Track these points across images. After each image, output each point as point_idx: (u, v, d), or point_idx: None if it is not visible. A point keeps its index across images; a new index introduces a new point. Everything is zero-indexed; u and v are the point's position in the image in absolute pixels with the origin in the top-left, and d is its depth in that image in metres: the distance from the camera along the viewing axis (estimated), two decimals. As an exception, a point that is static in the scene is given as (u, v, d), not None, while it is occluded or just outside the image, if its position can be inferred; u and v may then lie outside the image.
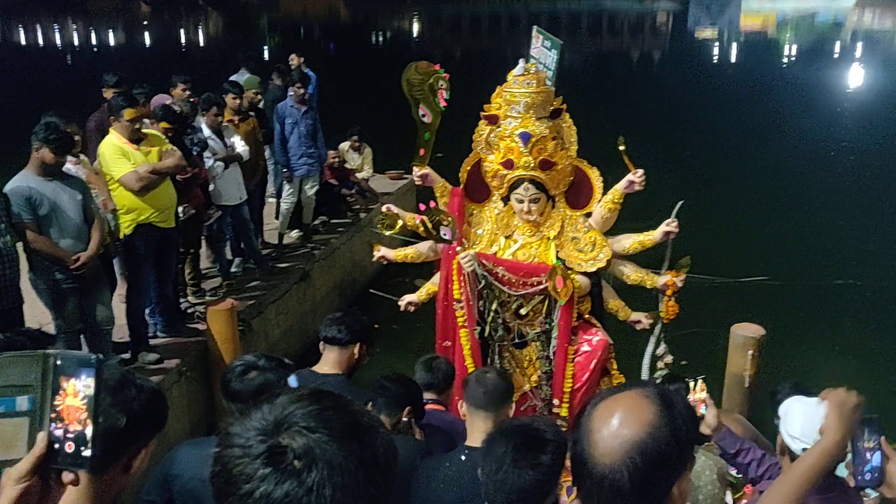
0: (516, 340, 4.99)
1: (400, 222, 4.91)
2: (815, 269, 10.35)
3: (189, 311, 7.40)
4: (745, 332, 5.81)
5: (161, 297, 6.80)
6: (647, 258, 5.05)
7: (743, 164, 15.13)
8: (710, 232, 10.40)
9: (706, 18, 48.00)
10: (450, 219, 4.63)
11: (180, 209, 6.94)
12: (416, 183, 5.10)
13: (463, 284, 4.82)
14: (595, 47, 37.51)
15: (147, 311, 6.73)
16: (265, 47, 36.41)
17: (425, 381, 3.99)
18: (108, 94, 7.86)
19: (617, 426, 1.48)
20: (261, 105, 9.40)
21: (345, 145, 10.87)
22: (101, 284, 5.97)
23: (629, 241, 4.86)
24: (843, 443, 1.92)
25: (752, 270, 9.24)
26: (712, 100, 21.39)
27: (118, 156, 6.05)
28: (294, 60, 11.10)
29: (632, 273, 4.91)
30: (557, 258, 4.81)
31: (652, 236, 4.78)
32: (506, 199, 4.93)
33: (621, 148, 4.60)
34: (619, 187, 4.75)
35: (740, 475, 4.87)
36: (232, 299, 7.24)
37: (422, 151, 4.84)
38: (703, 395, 3.37)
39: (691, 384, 3.45)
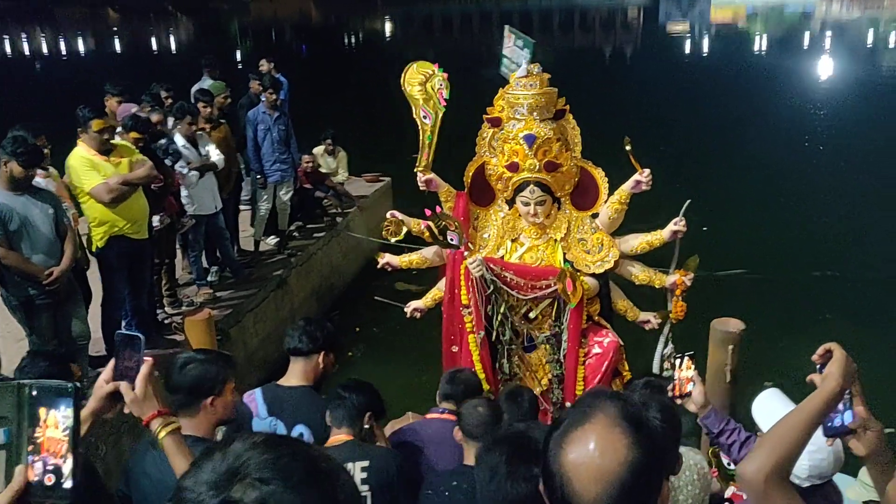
0: (525, 344, 4.94)
1: (405, 228, 4.84)
2: (793, 261, 10.41)
3: (166, 321, 7.31)
4: (725, 328, 5.79)
5: (136, 309, 6.70)
6: (647, 257, 5.02)
7: (718, 156, 15.22)
8: (687, 225, 10.41)
9: (677, 12, 48.30)
10: (456, 224, 4.56)
11: (156, 219, 6.86)
12: (421, 188, 5.00)
13: (471, 289, 4.76)
14: (567, 44, 37.61)
15: (123, 323, 6.64)
16: (237, 52, 36.19)
17: (445, 392, 3.94)
18: (111, 102, 7.75)
19: (595, 469, 1.46)
20: (226, 108, 9.29)
21: (319, 149, 10.80)
22: (75, 299, 5.88)
23: (637, 241, 4.82)
24: (842, 390, 1.99)
25: (730, 264, 9.28)
26: (686, 94, 21.50)
27: (87, 168, 5.95)
28: (264, 66, 10.99)
29: (640, 273, 4.86)
30: (565, 260, 4.76)
31: (660, 236, 4.74)
32: (511, 202, 4.87)
33: (627, 148, 4.56)
34: (626, 187, 4.71)
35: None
36: (209, 309, 7.14)
37: (425, 156, 4.80)
38: (691, 373, 3.34)
39: (677, 362, 3.42)
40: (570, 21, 45.94)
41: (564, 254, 4.79)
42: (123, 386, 1.92)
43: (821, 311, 9.13)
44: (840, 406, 2.04)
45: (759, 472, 1.83)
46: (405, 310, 5.29)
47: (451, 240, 4.55)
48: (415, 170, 4.88)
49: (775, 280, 9.40)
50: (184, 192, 7.54)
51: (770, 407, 2.92)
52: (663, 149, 15.80)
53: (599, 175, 4.88)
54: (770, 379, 7.32)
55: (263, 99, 8.79)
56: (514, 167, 4.67)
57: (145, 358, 1.95)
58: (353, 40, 45.17)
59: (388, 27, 49.31)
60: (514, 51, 5.13)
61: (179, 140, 7.47)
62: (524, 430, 2.58)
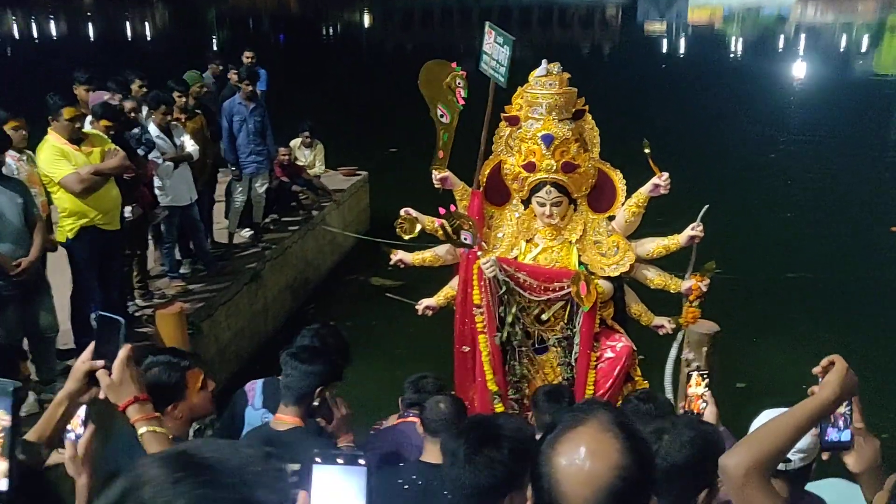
0: (536, 346, 4.87)
1: (418, 226, 4.74)
2: (768, 262, 10.49)
3: (137, 314, 7.19)
4: (699, 329, 5.81)
5: (107, 302, 6.57)
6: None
7: (693, 156, 15.27)
8: (662, 226, 10.46)
9: (655, 12, 48.55)
10: (471, 223, 4.48)
11: (128, 209, 6.74)
12: (436, 186, 4.92)
13: (483, 290, 4.68)
14: (546, 40, 37.65)
15: (93, 316, 6.52)
16: (213, 38, 35.86)
17: (411, 401, 3.94)
18: (79, 91, 7.59)
19: (585, 471, 1.44)
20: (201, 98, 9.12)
21: (296, 141, 10.71)
22: (42, 290, 5.75)
23: (653, 245, 4.76)
24: (838, 400, 1.97)
25: (703, 263, 9.31)
26: (662, 93, 21.60)
27: (58, 157, 5.81)
28: (248, 57, 10.79)
29: (655, 277, 4.80)
30: (580, 263, 4.70)
31: (676, 240, 4.69)
32: (526, 202, 4.80)
33: (646, 151, 4.53)
34: (644, 191, 4.65)
35: None
36: (180, 302, 7.05)
37: (441, 154, 4.73)
38: (701, 389, 3.26)
39: (690, 379, 3.37)
40: (549, 17, 46.00)
41: (579, 256, 4.72)
42: (100, 371, 1.89)
43: (793, 312, 9.21)
44: (840, 422, 2.03)
45: (739, 466, 1.83)
46: (416, 307, 5.20)
47: (465, 239, 4.47)
48: (431, 168, 4.82)
49: (748, 280, 9.46)
50: (157, 183, 7.43)
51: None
52: (639, 146, 15.91)
53: (617, 177, 4.81)
54: (742, 380, 7.40)
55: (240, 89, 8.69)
56: (530, 167, 4.60)
57: (125, 343, 1.92)
58: (331, 31, 44.92)
59: (367, 19, 49.11)
60: (494, 47, 5.08)
61: (153, 130, 7.35)
62: (492, 419, 2.56)
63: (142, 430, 1.93)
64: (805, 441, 2.59)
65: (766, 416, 2.95)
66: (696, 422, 2.61)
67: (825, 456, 2.14)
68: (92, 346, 1.89)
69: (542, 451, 1.52)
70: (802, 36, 38.11)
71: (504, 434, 2.37)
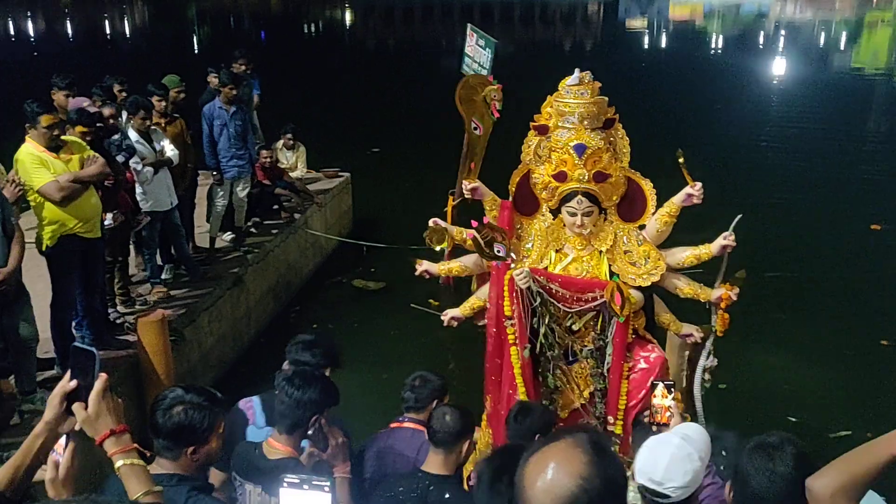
0: (569, 358, 4.84)
1: (447, 237, 4.73)
2: (748, 261, 10.49)
3: (118, 321, 7.14)
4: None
5: (88, 310, 6.54)
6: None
7: (671, 155, 15.33)
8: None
9: (636, 8, 48.62)
10: (504, 235, 4.47)
11: (109, 216, 6.69)
12: (466, 196, 4.92)
13: (515, 301, 4.63)
14: (528, 37, 37.64)
15: (74, 323, 6.48)
16: (194, 37, 35.59)
17: (407, 405, 3.91)
18: (58, 97, 7.49)
19: (549, 480, 1.50)
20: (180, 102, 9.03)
21: (278, 144, 10.67)
22: (22, 300, 5.70)
23: (684, 255, 4.77)
24: None
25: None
26: (643, 91, 21.63)
27: (37, 165, 5.76)
28: (241, 65, 10.64)
29: (685, 286, 4.80)
30: (611, 273, 4.69)
31: (708, 250, 4.70)
32: (555, 212, 4.78)
33: (680, 161, 4.54)
34: (676, 200, 4.68)
35: None
36: (162, 309, 7.02)
37: (472, 165, 4.73)
38: (668, 402, 3.28)
39: (656, 390, 3.38)
40: (531, 14, 45.96)
41: (610, 265, 4.70)
42: (76, 405, 1.87)
43: (773, 312, 9.23)
44: None
45: (826, 488, 1.87)
46: (442, 318, 5.16)
47: (499, 251, 4.44)
48: (462, 178, 4.81)
49: (728, 280, 9.48)
50: (138, 189, 7.38)
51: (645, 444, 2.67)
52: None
53: (647, 186, 4.82)
54: (723, 381, 7.43)
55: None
56: (561, 177, 4.57)
57: (100, 374, 1.91)
58: (313, 29, 44.72)
59: (348, 16, 48.92)
60: (476, 50, 5.12)
61: (133, 135, 7.30)
62: (519, 447, 2.58)
63: (119, 463, 1.91)
64: (685, 477, 2.49)
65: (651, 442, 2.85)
66: (795, 439, 2.56)
67: None
68: (68, 375, 1.88)
69: (519, 465, 1.59)
70: (782, 32, 38.33)
71: None
